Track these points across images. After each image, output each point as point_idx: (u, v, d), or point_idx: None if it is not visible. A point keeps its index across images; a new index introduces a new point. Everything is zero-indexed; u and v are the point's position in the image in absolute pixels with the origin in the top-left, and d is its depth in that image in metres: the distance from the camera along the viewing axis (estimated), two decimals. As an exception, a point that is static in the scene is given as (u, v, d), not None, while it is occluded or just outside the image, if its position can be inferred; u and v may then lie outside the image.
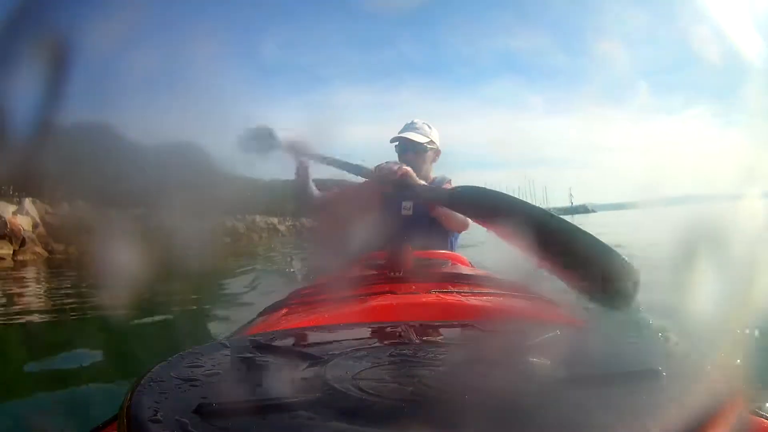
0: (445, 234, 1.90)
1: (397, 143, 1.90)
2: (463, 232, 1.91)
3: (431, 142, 1.89)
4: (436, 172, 1.96)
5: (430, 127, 1.94)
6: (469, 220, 1.71)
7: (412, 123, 1.93)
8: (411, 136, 1.86)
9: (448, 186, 1.88)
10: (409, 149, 1.87)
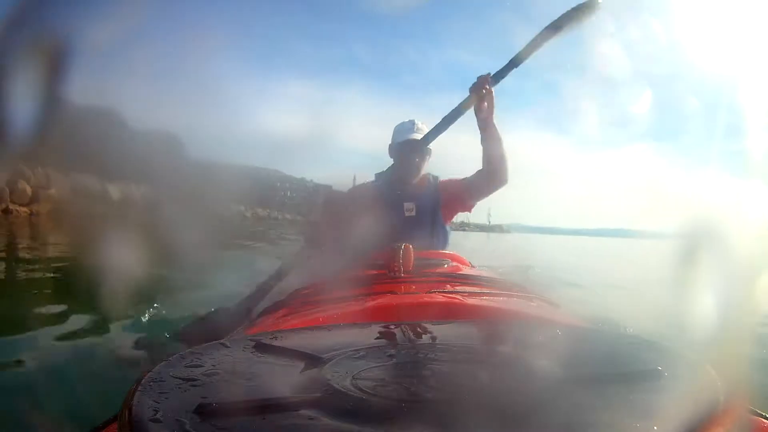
0: (446, 234, 1.90)
1: (402, 143, 1.89)
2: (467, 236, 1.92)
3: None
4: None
5: (428, 128, 1.94)
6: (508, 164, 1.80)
7: (413, 123, 1.92)
8: (419, 137, 1.87)
9: (442, 182, 1.91)
10: (416, 151, 1.87)
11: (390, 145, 1.95)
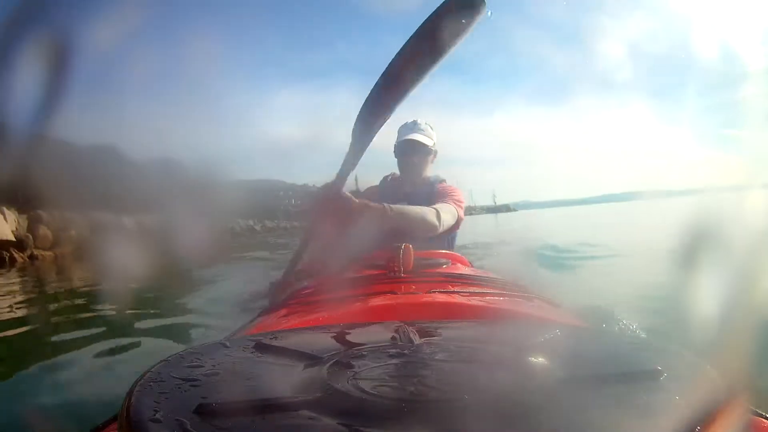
0: (446, 235, 1.90)
1: (399, 143, 1.89)
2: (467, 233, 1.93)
3: (434, 144, 1.90)
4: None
5: (432, 128, 1.94)
6: (437, 220, 1.61)
7: (416, 123, 1.92)
8: (419, 138, 1.86)
9: (441, 186, 1.90)
10: (416, 151, 1.87)
11: (394, 144, 1.96)
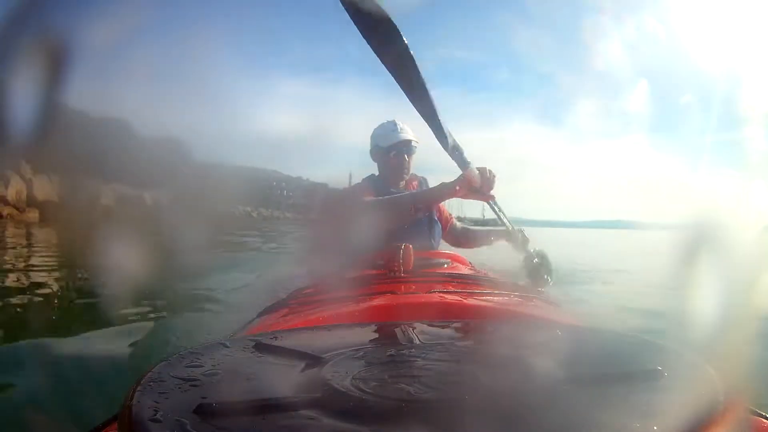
0: (441, 233, 1.91)
1: (393, 144, 1.87)
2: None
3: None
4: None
5: (408, 127, 1.92)
6: None
7: (396, 124, 1.89)
8: (411, 137, 1.85)
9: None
10: (411, 151, 1.86)
11: (372, 148, 1.90)
